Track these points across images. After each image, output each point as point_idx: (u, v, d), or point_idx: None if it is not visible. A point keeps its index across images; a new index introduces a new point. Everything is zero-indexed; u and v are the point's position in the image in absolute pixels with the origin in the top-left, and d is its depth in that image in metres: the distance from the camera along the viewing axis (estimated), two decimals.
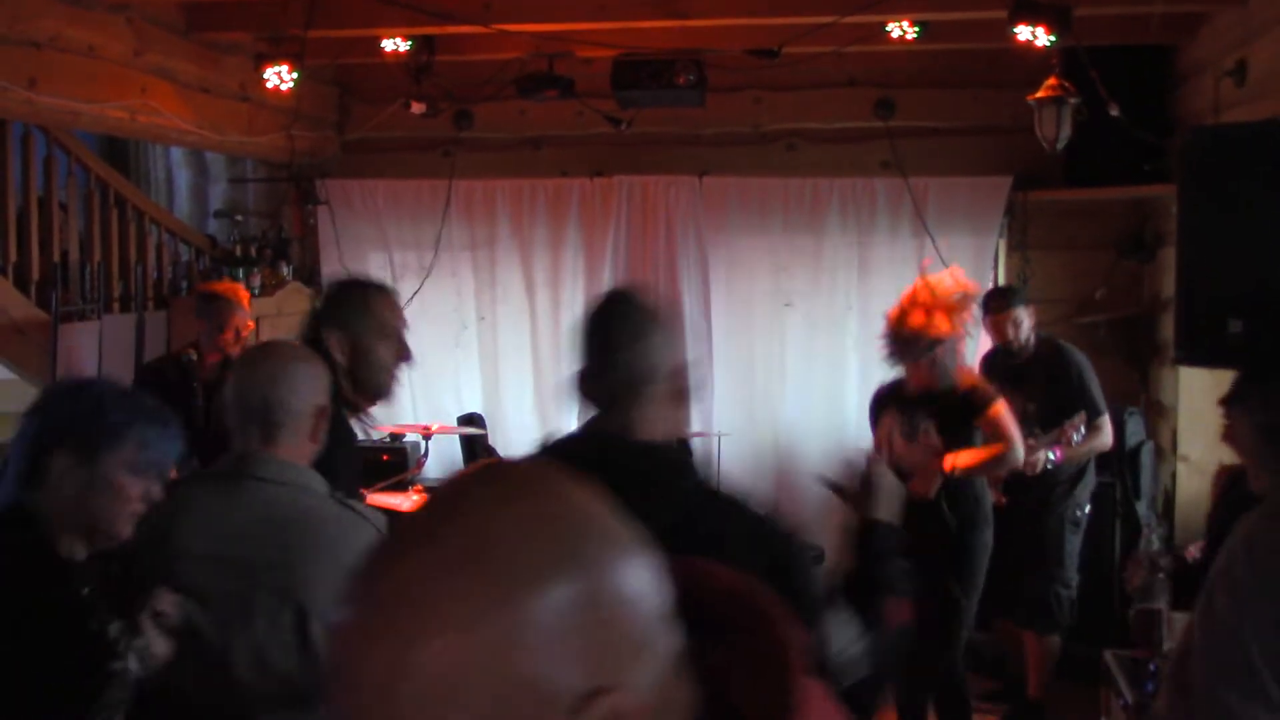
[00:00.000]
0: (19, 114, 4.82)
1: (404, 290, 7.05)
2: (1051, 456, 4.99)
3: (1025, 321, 5.34)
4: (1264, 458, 2.56)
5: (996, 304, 5.45)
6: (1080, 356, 5.37)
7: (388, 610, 0.87)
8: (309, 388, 2.48)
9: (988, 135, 6.68)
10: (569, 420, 7.67)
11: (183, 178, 7.77)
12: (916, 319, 4.47)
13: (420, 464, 5.63)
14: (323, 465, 2.49)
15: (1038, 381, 5.25)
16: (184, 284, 6.31)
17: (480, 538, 0.88)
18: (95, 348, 5.21)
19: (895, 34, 5.58)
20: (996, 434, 4.56)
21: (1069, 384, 5.24)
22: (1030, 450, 4.80)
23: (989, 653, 5.79)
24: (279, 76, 5.65)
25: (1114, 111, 5.37)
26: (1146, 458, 5.97)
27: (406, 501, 5.03)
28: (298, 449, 2.45)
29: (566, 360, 8.04)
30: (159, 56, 5.42)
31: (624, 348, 2.12)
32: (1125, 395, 6.15)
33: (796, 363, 6.86)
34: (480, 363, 7.18)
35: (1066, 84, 5.35)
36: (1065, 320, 6.34)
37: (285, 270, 6.76)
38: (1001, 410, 4.56)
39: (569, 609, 0.87)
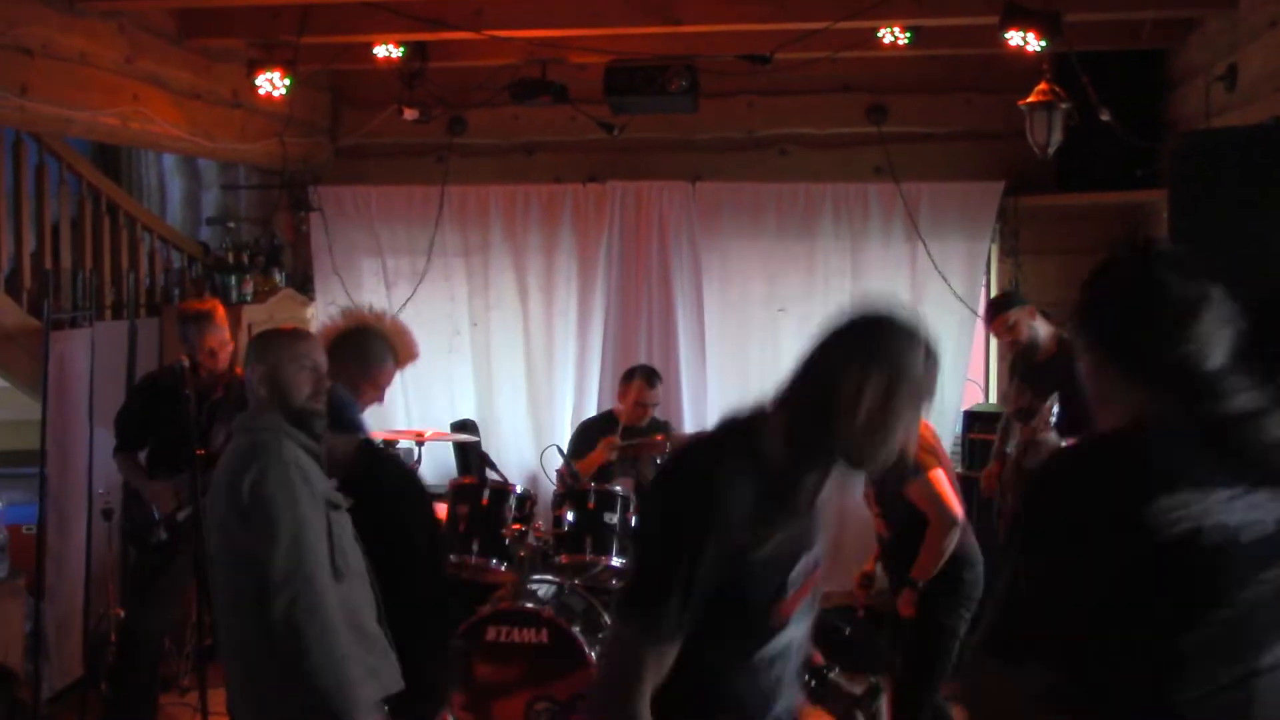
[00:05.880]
0: (11, 121, 4.81)
1: (397, 296, 7.06)
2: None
3: (1022, 321, 5.34)
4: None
5: (988, 312, 5.58)
6: None
7: None
8: None
9: (980, 140, 6.70)
10: (562, 424, 7.64)
11: (175, 185, 7.75)
12: None
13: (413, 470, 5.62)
14: None
15: (1051, 382, 5.23)
16: (176, 291, 6.30)
17: None
18: (88, 355, 5.20)
19: (887, 40, 5.59)
20: (927, 507, 4.16)
21: (1077, 384, 5.21)
22: (1035, 446, 4.74)
23: None
24: (271, 83, 5.65)
25: (1105, 116, 5.39)
26: None
27: None
28: None
29: (559, 365, 7.96)
30: (151, 63, 5.42)
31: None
32: None
33: (791, 368, 6.85)
34: (473, 368, 7.17)
35: (1057, 89, 5.37)
36: (1058, 325, 6.34)
37: (278, 277, 6.75)
38: (934, 479, 4.16)
39: None
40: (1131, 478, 1.78)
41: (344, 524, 3.06)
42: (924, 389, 2.09)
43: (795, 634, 2.13)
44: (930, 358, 2.08)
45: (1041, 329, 5.37)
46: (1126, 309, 1.92)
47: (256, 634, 2.89)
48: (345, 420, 3.42)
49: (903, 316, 2.11)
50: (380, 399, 4.17)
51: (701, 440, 2.14)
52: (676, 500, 2.05)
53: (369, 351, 4.04)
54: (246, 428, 3.05)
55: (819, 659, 2.34)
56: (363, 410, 4.24)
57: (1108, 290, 1.96)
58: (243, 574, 2.89)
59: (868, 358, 2.03)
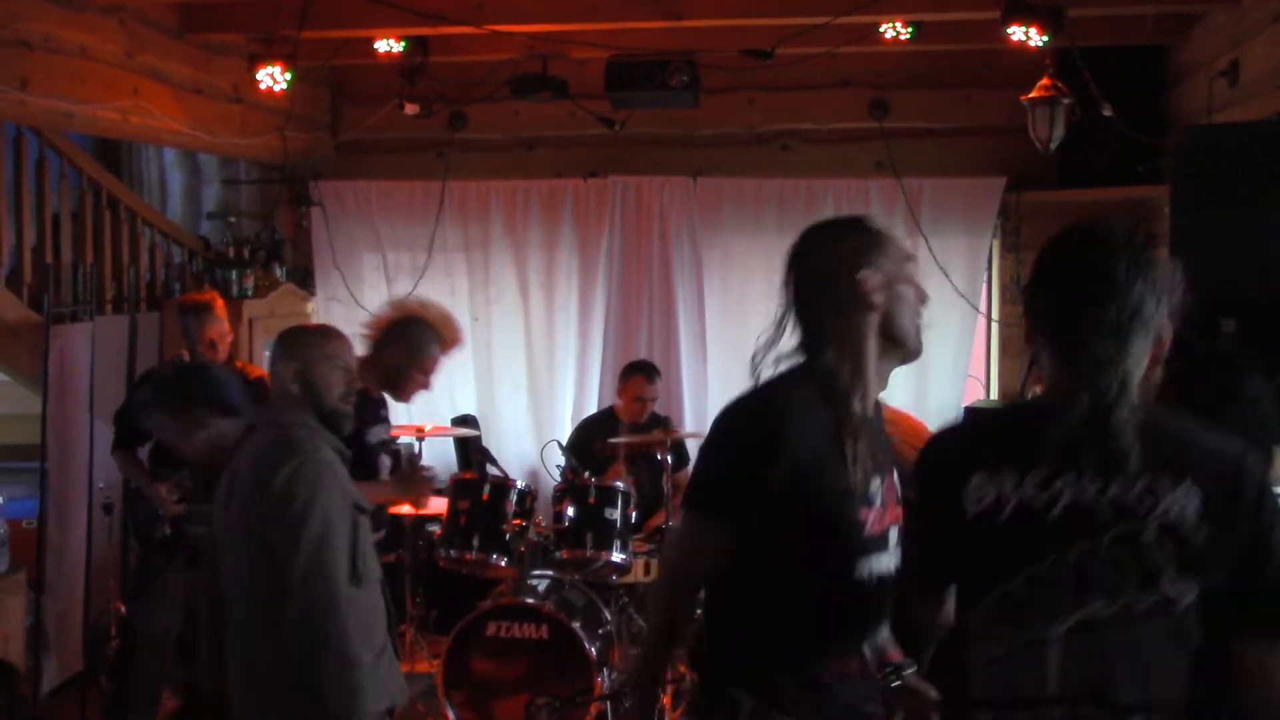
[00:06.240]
0: (11, 115, 4.80)
1: (398, 291, 7.04)
2: None
3: None
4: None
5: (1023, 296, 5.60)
6: None
7: None
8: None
9: (981, 136, 6.69)
10: (563, 419, 7.61)
11: (175, 179, 7.76)
12: None
13: None
14: None
15: None
16: (177, 285, 6.30)
17: None
18: (88, 349, 5.20)
19: (889, 35, 5.58)
20: None
21: None
22: None
23: None
24: (272, 78, 5.64)
25: (1107, 112, 5.38)
26: None
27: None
28: None
29: (560, 360, 7.92)
30: (152, 57, 5.41)
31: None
32: None
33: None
34: (474, 363, 7.17)
35: (1060, 84, 5.36)
36: None
37: (278, 272, 6.75)
38: None
39: None
40: (965, 453, 1.97)
41: (367, 527, 3.02)
42: (901, 258, 2.40)
43: (889, 563, 2.19)
44: (880, 237, 2.40)
45: None
46: (1048, 282, 2.06)
47: (267, 630, 2.84)
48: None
49: (844, 222, 2.47)
50: (428, 385, 4.26)
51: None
52: (739, 412, 2.22)
53: (417, 339, 4.17)
54: (276, 422, 3.00)
55: (894, 656, 2.29)
56: (411, 396, 4.35)
57: (1040, 263, 2.11)
58: (261, 568, 2.84)
59: (846, 264, 2.37)
